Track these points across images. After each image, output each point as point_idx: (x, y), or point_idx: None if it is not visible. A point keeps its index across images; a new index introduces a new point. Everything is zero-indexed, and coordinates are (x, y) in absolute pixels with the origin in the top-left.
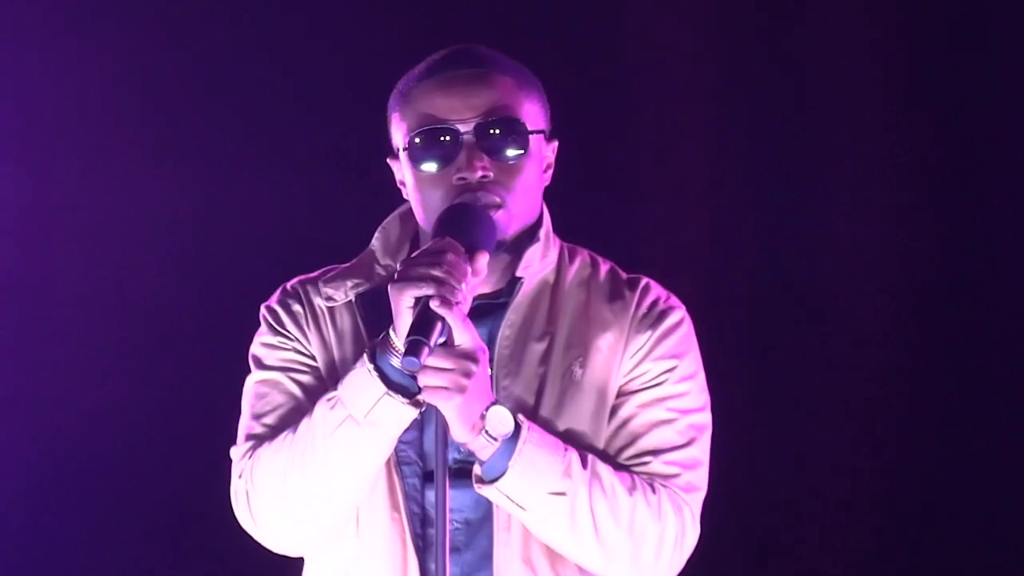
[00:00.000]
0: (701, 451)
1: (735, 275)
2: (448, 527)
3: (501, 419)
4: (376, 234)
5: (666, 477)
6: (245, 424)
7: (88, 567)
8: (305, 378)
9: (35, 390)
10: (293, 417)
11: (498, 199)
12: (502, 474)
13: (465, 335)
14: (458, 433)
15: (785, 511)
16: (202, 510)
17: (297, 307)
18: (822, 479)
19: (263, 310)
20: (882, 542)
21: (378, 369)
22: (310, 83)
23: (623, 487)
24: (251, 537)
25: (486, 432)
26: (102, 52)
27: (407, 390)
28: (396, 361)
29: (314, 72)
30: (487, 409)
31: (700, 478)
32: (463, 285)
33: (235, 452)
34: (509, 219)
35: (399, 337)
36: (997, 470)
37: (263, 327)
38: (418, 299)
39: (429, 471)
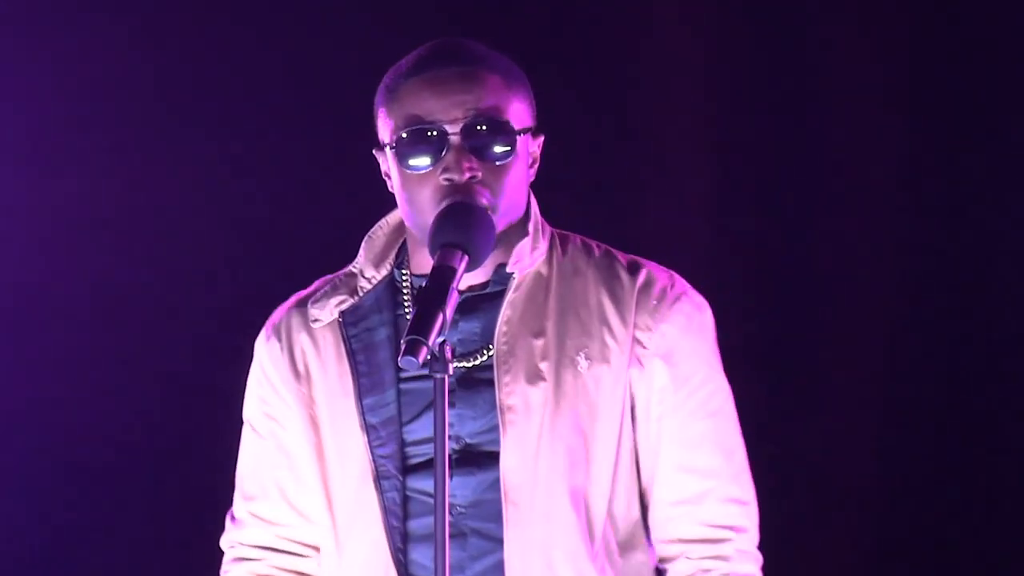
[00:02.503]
0: (740, 442)
1: (735, 275)
2: (448, 520)
3: None
4: (362, 245)
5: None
6: (236, 488)
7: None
8: (282, 433)
9: (40, 392)
10: (269, 476)
11: (485, 200)
12: None
13: None
14: None
15: (787, 509)
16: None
17: (275, 347)
18: (821, 478)
19: (257, 342)
20: (881, 541)
21: None
22: (306, 81)
23: None
24: None
25: None
26: (109, 53)
27: None
28: None
29: (310, 71)
30: None
31: (746, 472)
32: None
33: (223, 543)
34: (497, 220)
35: None
36: (999, 470)
37: (253, 365)
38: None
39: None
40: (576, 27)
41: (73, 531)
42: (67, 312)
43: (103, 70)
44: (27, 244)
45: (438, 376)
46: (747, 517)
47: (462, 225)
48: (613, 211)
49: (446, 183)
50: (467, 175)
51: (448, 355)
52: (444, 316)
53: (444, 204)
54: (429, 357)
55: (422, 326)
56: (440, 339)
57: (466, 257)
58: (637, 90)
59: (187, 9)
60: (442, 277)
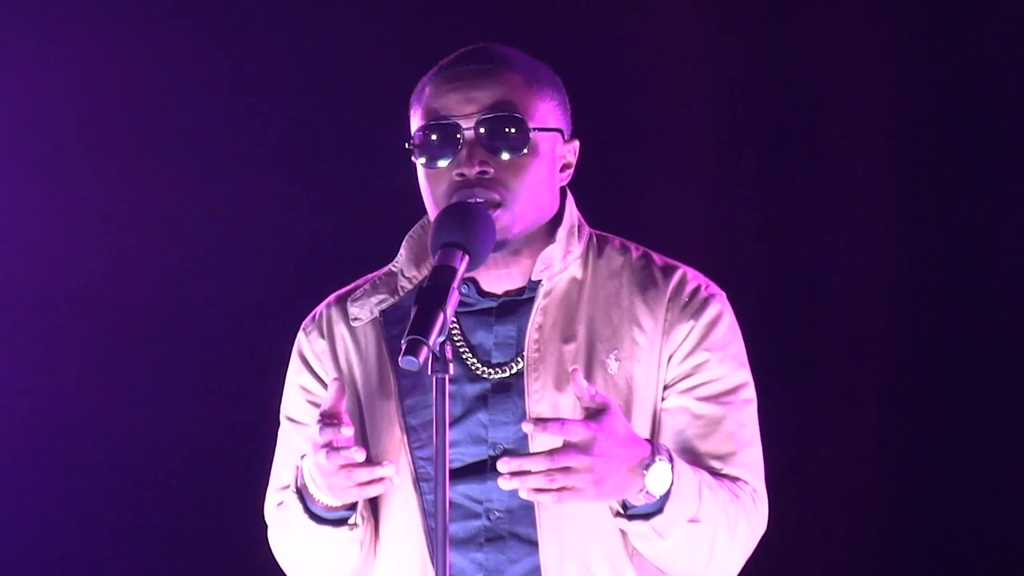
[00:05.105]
0: (757, 439)
1: (734, 277)
2: (447, 524)
3: (661, 477)
4: (403, 244)
5: (736, 480)
6: (270, 487)
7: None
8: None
9: (43, 392)
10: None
11: (497, 196)
12: (655, 512)
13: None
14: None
15: (787, 510)
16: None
17: (318, 341)
18: (823, 478)
19: (297, 338)
20: (882, 540)
21: (307, 511)
22: (333, 83)
23: (731, 495)
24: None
25: (646, 491)
26: (114, 53)
27: (339, 522)
28: (317, 507)
29: (336, 72)
30: (647, 469)
31: (761, 467)
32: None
33: (265, 511)
34: (512, 218)
35: (318, 486)
36: (998, 471)
37: (291, 360)
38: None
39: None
40: (575, 26)
41: (73, 531)
42: (68, 312)
43: (113, 73)
44: (34, 245)
45: (438, 376)
46: (760, 495)
47: (462, 224)
48: (611, 210)
49: (458, 178)
50: (477, 169)
51: (448, 355)
52: (444, 316)
53: (445, 204)
54: (430, 357)
55: (422, 326)
56: (441, 339)
57: (466, 256)
58: (637, 89)
59: (198, 6)
60: (442, 277)
